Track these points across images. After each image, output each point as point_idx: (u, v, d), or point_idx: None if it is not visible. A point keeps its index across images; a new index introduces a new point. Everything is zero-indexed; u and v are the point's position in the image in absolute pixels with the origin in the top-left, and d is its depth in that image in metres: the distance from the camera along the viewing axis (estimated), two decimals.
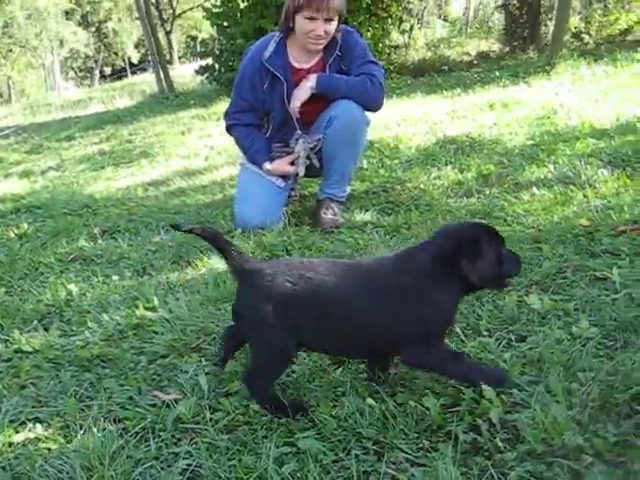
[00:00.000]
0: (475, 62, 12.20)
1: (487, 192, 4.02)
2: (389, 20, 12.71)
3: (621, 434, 1.77)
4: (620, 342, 2.22)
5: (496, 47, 13.42)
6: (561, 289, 2.64)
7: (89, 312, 3.00)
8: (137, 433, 2.02)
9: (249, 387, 2.08)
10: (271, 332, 1.99)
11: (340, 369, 2.24)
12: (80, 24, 41.49)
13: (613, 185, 3.74)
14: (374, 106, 3.86)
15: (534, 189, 3.87)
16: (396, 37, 13.66)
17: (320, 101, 3.84)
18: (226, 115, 4.12)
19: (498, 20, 15.39)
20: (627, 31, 11.40)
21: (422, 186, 4.32)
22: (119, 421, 2.11)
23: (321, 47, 3.83)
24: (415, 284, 1.96)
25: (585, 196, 3.62)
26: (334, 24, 3.76)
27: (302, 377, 2.23)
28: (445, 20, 24.28)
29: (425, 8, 20.61)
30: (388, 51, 12.91)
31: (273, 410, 2.03)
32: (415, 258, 2.02)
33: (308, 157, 3.88)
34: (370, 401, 1.98)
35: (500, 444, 1.76)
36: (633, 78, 7.30)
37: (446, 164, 4.76)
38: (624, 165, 4.10)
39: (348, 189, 4.12)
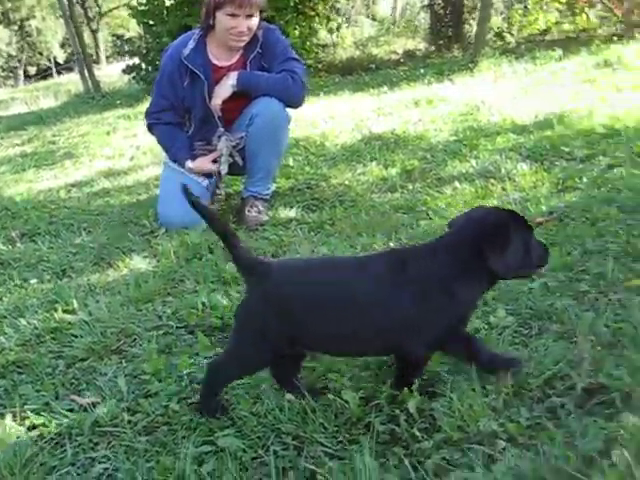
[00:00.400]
0: (402, 60, 12.33)
1: (410, 187, 4.08)
2: (316, 19, 12.74)
3: (534, 418, 1.82)
4: (535, 330, 2.28)
5: (422, 46, 13.60)
6: None
7: (5, 317, 2.91)
8: (53, 439, 1.97)
9: (210, 377, 1.97)
10: (268, 328, 1.86)
11: None
12: (1, 22, 40.13)
13: (531, 178, 3.85)
14: (295, 103, 3.86)
15: (456, 183, 3.94)
16: (324, 36, 13.69)
17: (242, 99, 3.82)
18: (147, 114, 4.06)
19: (424, 19, 15.56)
20: (546, 31, 11.73)
21: (347, 182, 4.35)
22: (34, 428, 2.05)
23: (243, 44, 3.81)
24: (436, 277, 1.83)
25: (504, 189, 3.71)
26: (256, 20, 3.74)
27: None
28: (373, 19, 24.45)
29: (353, 7, 20.73)
30: (316, 50, 12.94)
31: (203, 408, 1.98)
32: (437, 249, 1.89)
33: (231, 155, 3.85)
34: (289, 396, 1.98)
35: (418, 433, 1.78)
36: (551, 76, 7.51)
37: (371, 160, 4.81)
38: (542, 159, 4.23)
39: (272, 186, 4.11)
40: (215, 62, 3.86)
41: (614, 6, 10.54)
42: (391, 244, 3.10)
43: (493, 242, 1.81)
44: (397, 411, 1.86)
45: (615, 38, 9.41)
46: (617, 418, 1.75)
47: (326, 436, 1.83)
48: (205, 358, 2.33)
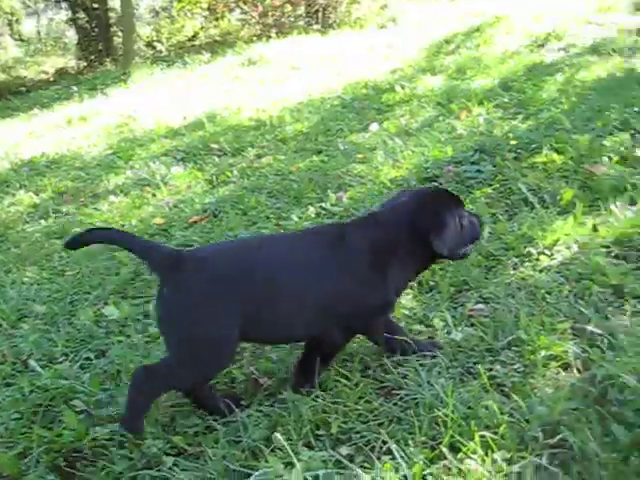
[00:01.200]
0: (53, 80, 11.74)
1: (64, 210, 3.84)
2: None
3: (204, 423, 1.77)
4: None
5: (73, 62, 13.09)
6: (139, 292, 2.59)
7: None
8: None
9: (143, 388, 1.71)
10: (217, 321, 1.68)
11: None
12: None
13: (186, 180, 3.85)
14: None
15: (112, 197, 3.81)
16: None
17: None
18: None
19: (73, 35, 14.98)
20: (194, 37, 12.01)
21: None
22: None
23: None
24: (369, 257, 1.76)
25: (154, 195, 3.67)
26: None
27: None
28: (20, 39, 23.00)
29: None
30: None
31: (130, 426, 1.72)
32: (371, 228, 1.81)
33: None
34: None
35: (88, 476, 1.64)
36: (200, 78, 7.69)
37: (20, 188, 4.43)
38: (195, 159, 4.27)
39: None
40: None
41: (251, 9, 11.10)
42: (31, 275, 2.88)
43: (436, 224, 1.78)
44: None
45: (255, 38, 9.91)
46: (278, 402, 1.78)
47: None
48: None
